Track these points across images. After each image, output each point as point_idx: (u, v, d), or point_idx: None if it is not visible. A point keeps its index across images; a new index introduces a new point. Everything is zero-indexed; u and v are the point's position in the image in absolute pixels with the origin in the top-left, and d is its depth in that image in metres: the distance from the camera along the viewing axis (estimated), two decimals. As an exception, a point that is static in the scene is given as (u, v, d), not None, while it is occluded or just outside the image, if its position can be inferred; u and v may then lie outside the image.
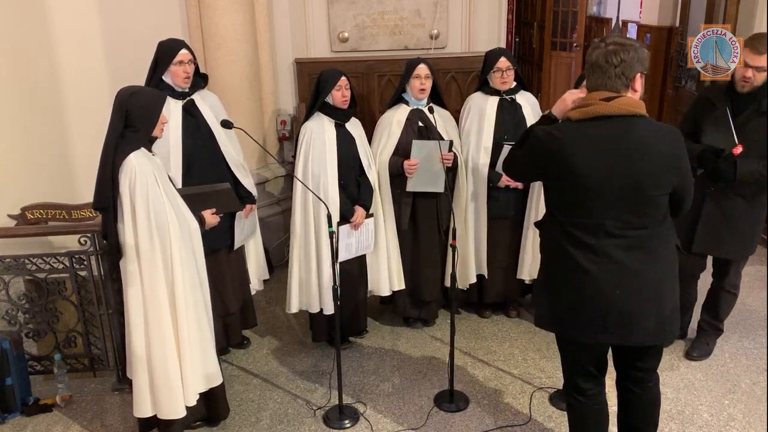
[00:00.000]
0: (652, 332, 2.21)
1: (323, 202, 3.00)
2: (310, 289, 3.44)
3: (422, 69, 3.46)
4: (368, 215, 3.43)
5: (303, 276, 3.46)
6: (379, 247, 3.60)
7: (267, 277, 3.76)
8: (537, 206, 3.57)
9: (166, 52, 3.08)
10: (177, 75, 3.08)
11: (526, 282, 3.82)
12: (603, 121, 2.08)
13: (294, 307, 3.54)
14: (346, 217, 3.34)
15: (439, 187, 3.51)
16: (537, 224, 2.47)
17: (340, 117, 3.36)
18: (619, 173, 2.07)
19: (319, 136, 3.30)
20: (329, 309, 3.40)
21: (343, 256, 3.33)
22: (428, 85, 3.49)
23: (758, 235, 3.26)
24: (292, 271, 3.47)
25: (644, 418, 2.51)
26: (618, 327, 2.19)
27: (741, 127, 3.03)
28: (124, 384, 3.25)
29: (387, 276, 3.65)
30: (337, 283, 2.93)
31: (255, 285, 3.63)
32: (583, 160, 2.08)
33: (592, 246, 2.14)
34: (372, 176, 3.48)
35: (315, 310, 3.49)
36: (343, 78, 3.31)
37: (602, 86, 2.12)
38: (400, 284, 3.69)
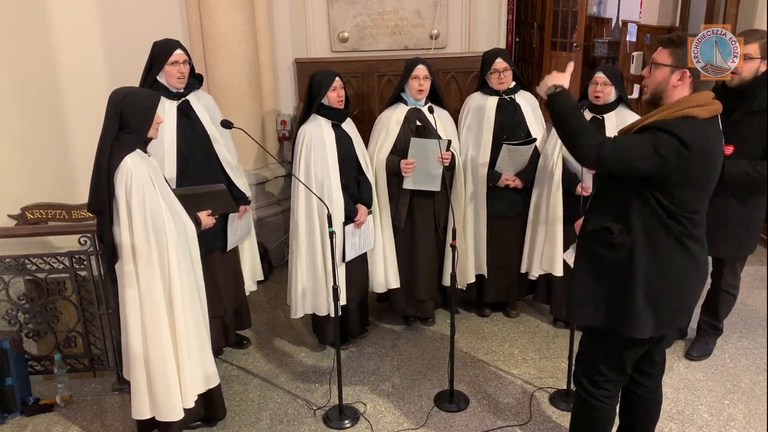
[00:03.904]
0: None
1: (324, 203, 3.00)
2: (318, 291, 3.39)
3: (421, 69, 3.46)
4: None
5: (309, 280, 3.39)
6: (376, 245, 3.60)
7: (261, 278, 3.75)
8: (548, 203, 3.51)
9: (161, 52, 3.07)
10: (172, 75, 3.07)
11: (531, 277, 3.74)
12: (714, 119, 2.19)
13: (299, 312, 3.45)
14: (350, 217, 3.34)
15: (436, 186, 3.50)
16: (610, 229, 2.22)
17: (336, 117, 3.36)
18: (719, 167, 2.22)
19: (318, 139, 3.28)
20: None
21: (349, 256, 3.35)
22: (426, 85, 3.49)
23: (755, 236, 3.25)
24: (297, 275, 3.40)
25: (653, 416, 2.57)
26: (689, 313, 2.36)
27: (732, 128, 3.02)
28: (124, 384, 3.24)
29: (383, 274, 3.65)
30: (337, 282, 2.93)
31: (249, 286, 3.63)
32: (716, 157, 2.18)
33: (698, 238, 2.24)
34: (369, 174, 3.49)
35: (324, 312, 3.43)
36: (338, 78, 3.31)
37: (706, 87, 2.20)
38: (396, 282, 3.69)
